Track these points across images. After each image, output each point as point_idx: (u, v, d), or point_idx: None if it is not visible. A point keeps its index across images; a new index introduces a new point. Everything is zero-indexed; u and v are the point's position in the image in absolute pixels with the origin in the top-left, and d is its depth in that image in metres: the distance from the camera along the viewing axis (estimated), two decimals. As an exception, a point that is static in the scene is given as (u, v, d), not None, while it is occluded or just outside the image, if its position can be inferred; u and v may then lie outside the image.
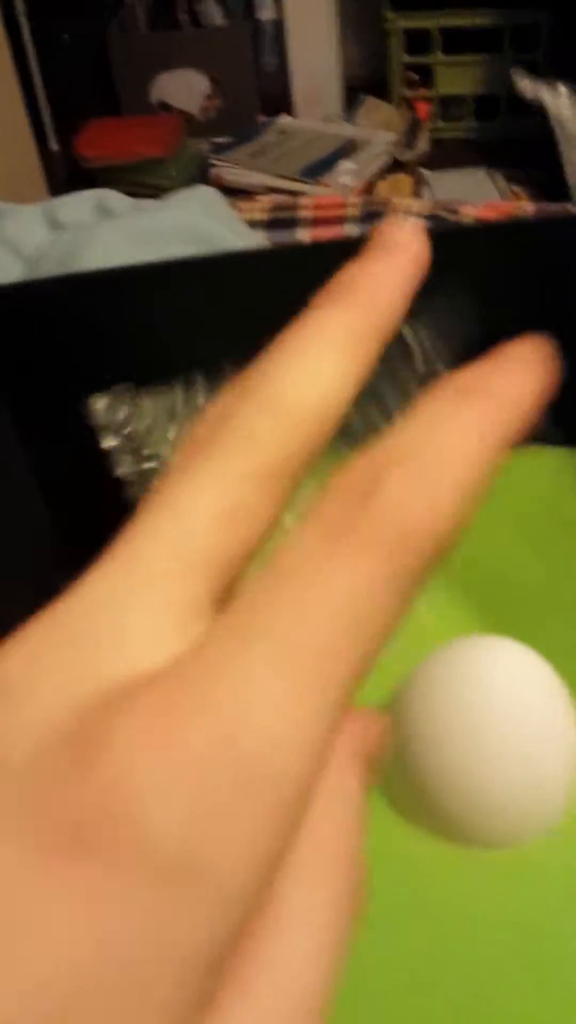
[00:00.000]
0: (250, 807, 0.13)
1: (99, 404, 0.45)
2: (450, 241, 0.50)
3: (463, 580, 0.46)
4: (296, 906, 0.16)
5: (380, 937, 0.35)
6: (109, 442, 0.46)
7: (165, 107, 2.00)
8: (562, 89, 0.41)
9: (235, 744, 0.13)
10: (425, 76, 1.97)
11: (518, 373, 0.17)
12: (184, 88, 1.99)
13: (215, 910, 0.13)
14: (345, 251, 0.48)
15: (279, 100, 2.04)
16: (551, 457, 0.53)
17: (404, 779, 0.37)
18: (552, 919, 0.36)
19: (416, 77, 2.00)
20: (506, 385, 0.17)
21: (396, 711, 0.38)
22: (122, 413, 0.46)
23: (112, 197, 0.65)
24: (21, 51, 1.90)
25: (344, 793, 0.18)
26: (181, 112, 1.98)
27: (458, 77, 1.97)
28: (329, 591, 0.14)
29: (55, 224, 0.62)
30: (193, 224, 0.57)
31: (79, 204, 0.64)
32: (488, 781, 0.36)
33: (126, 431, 0.46)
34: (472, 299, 0.50)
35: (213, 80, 2.00)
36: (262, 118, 1.96)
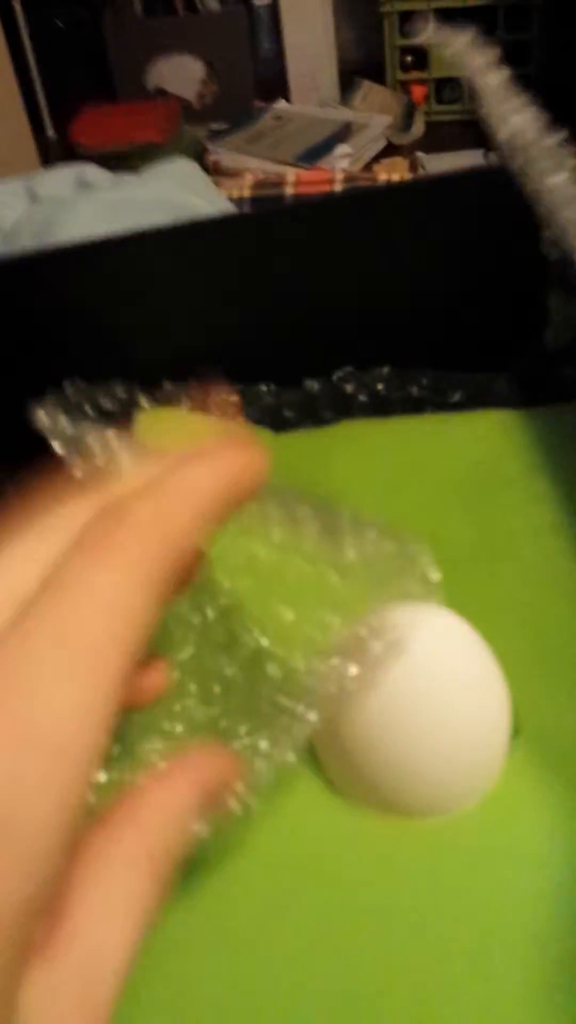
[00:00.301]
0: (43, 772, 0.16)
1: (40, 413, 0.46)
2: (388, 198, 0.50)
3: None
4: (102, 877, 0.20)
5: (311, 911, 0.35)
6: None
7: (161, 93, 2.00)
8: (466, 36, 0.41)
9: (29, 720, 0.17)
10: (420, 59, 1.96)
11: (236, 451, 0.23)
12: (180, 74, 1.99)
13: (24, 865, 0.16)
14: (317, 211, 0.48)
15: (275, 85, 2.03)
16: (497, 419, 0.53)
17: (332, 750, 0.38)
18: (484, 887, 0.36)
19: (411, 60, 1.99)
20: (227, 458, 0.23)
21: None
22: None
23: (92, 171, 0.66)
24: (16, 38, 1.89)
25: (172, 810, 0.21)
26: (177, 98, 1.97)
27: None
28: (96, 589, 0.18)
29: (35, 198, 0.63)
30: (171, 196, 0.58)
31: (59, 178, 0.65)
32: (416, 751, 0.36)
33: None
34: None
35: (209, 66, 1.99)
36: (258, 103, 1.96)
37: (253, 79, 2.04)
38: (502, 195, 0.49)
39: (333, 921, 0.35)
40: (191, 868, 0.36)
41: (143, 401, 0.51)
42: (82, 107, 1.91)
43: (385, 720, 0.36)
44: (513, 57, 1.11)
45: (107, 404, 0.51)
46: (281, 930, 0.35)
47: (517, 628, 0.42)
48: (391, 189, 0.50)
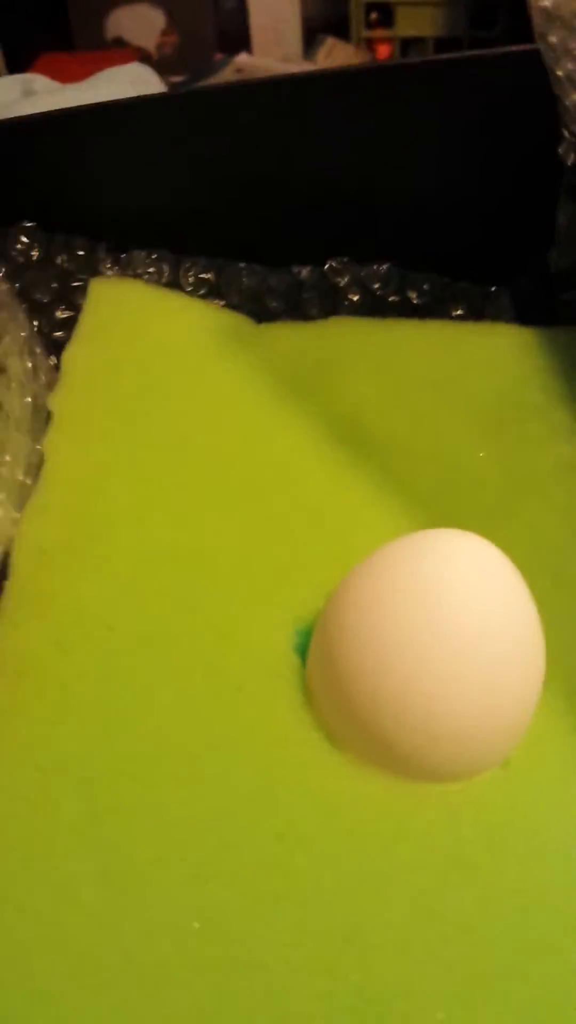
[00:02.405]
0: None
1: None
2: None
3: (403, 472, 0.41)
4: None
5: (308, 892, 0.29)
6: None
7: (120, 43, 1.92)
8: None
9: None
10: (385, 16, 1.92)
11: None
12: (140, 23, 1.92)
13: None
14: (272, 88, 0.42)
15: (237, 38, 1.97)
16: (510, 336, 0.48)
17: (332, 698, 0.32)
18: (503, 859, 0.30)
19: (376, 17, 1.95)
20: None
21: (328, 623, 0.32)
22: None
23: (41, 81, 0.60)
24: (-32, -19, 1.81)
25: None
26: (137, 48, 1.90)
27: (418, 18, 1.92)
28: None
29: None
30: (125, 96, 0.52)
31: (4, 87, 0.59)
32: (436, 701, 0.30)
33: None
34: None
35: (169, 15, 1.93)
36: (219, 56, 1.89)
37: (215, 31, 1.97)
38: (518, 85, 0.44)
39: (334, 904, 0.29)
40: (162, 840, 0.30)
41: (104, 265, 0.45)
42: (38, 56, 1.83)
43: (399, 662, 0.30)
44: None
45: (63, 260, 0.45)
46: (274, 915, 0.29)
47: (543, 570, 0.36)
48: (399, 67, 0.44)
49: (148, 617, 0.35)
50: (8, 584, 0.36)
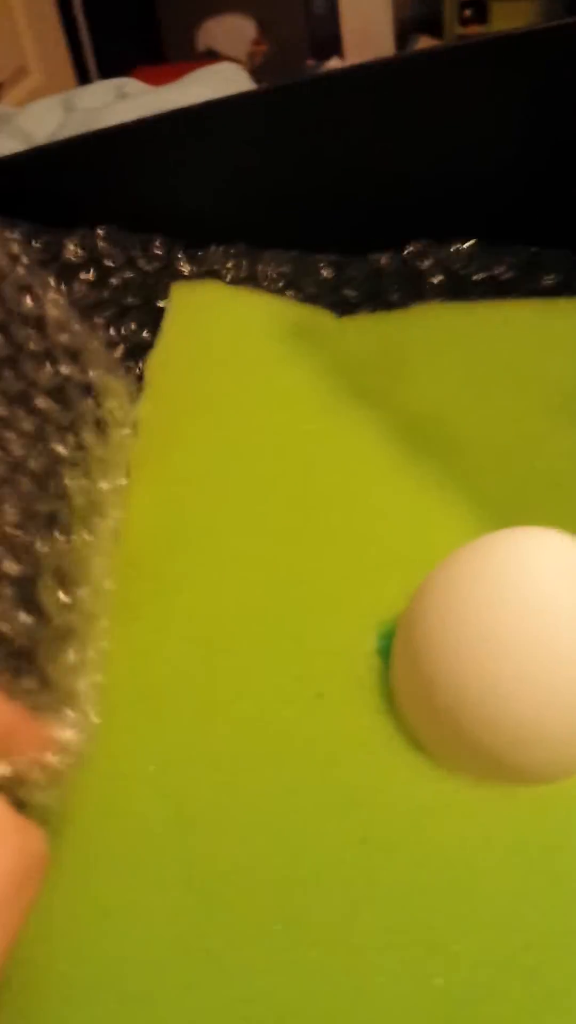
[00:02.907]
0: None
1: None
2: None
3: (483, 470, 0.40)
4: None
5: (393, 896, 0.29)
6: None
7: (211, 54, 1.95)
8: None
9: None
10: (479, 13, 1.91)
11: None
12: (231, 33, 1.94)
13: None
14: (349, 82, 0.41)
15: (329, 43, 1.98)
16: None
17: (418, 701, 0.32)
18: None
19: (470, 14, 1.94)
20: None
21: (410, 625, 0.32)
22: None
23: (133, 84, 0.61)
24: (67, 1, 1.86)
25: None
26: (228, 59, 1.92)
27: (513, 13, 1.90)
28: None
29: (72, 110, 0.58)
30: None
31: (99, 91, 0.60)
32: (525, 703, 0.29)
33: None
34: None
35: (260, 24, 1.94)
36: (311, 62, 1.91)
37: (306, 37, 1.98)
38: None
39: (418, 909, 0.29)
40: (246, 845, 0.30)
41: (182, 263, 0.46)
42: (132, 70, 1.86)
43: (483, 663, 0.29)
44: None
45: (143, 261, 0.45)
46: (356, 919, 0.29)
47: None
48: (469, 48, 0.43)
49: (229, 626, 0.36)
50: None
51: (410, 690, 0.32)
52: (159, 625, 0.35)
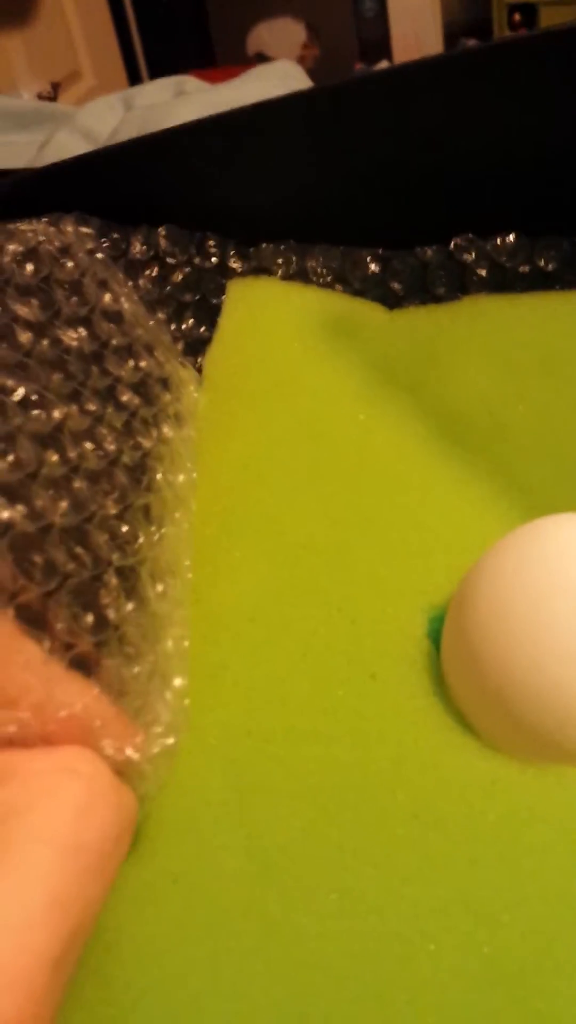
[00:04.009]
0: None
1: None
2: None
3: (533, 459, 0.41)
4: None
5: (443, 875, 0.30)
6: None
7: (261, 57, 1.96)
8: None
9: None
10: (529, 17, 1.90)
11: None
12: (281, 37, 1.95)
13: None
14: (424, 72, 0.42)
15: (378, 47, 1.98)
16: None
17: (472, 687, 0.33)
18: None
19: (519, 18, 1.93)
20: None
21: (459, 609, 0.33)
22: None
23: (192, 82, 0.62)
24: (118, 4, 1.88)
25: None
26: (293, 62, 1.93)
27: (563, 17, 1.89)
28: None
29: (131, 108, 0.59)
30: (272, 95, 0.53)
31: (158, 89, 0.61)
32: (571, 686, 0.30)
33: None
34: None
35: (310, 28, 1.95)
36: (360, 66, 1.91)
37: (356, 41, 1.99)
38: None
39: (467, 882, 0.30)
40: (302, 817, 0.31)
41: (234, 260, 0.47)
42: (184, 74, 1.87)
43: (530, 645, 0.30)
44: None
45: (198, 259, 0.47)
46: (408, 890, 0.30)
47: None
48: (515, 44, 0.43)
49: (286, 608, 0.37)
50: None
51: (460, 672, 0.33)
52: (218, 609, 0.37)
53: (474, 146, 0.46)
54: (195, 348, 0.45)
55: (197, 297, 0.47)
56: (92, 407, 0.34)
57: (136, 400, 0.37)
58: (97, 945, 0.29)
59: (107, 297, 0.38)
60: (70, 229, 0.38)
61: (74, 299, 0.36)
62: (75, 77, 1.66)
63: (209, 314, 0.47)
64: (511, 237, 0.47)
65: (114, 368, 0.37)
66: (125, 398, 0.36)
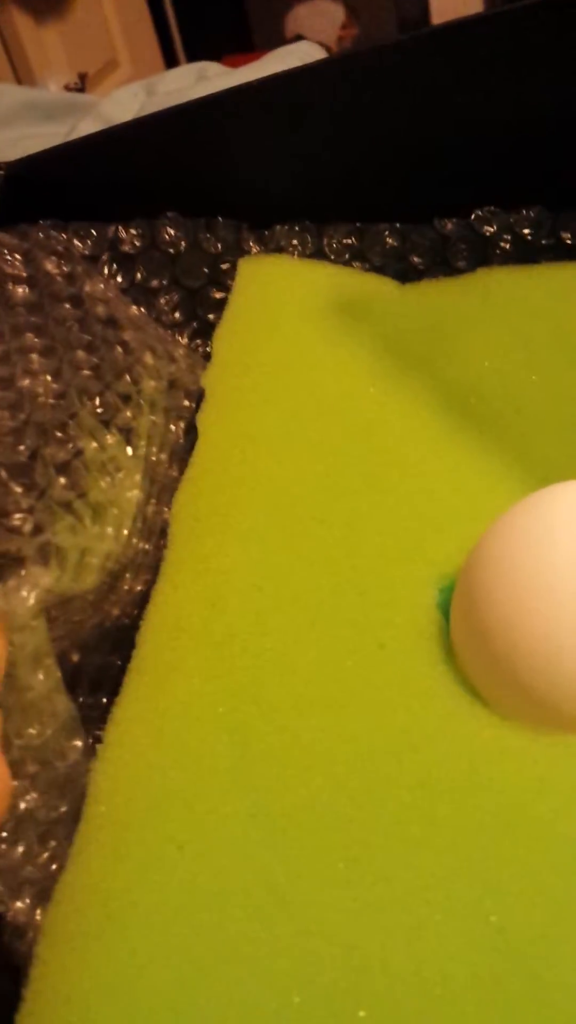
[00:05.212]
0: None
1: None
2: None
3: (543, 431, 0.41)
4: None
5: (451, 844, 0.30)
6: None
7: (299, 40, 1.94)
8: None
9: None
10: (572, -10, 1.86)
11: None
12: (319, 18, 1.94)
13: None
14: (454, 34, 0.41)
15: (418, 26, 1.96)
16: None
17: (481, 657, 0.32)
18: None
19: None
20: None
21: (468, 579, 0.33)
22: None
23: (214, 67, 0.62)
24: (154, -12, 1.88)
25: None
26: (316, 44, 1.92)
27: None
28: None
29: (153, 94, 0.59)
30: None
31: (180, 75, 0.61)
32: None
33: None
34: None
35: (348, 8, 1.94)
36: (400, 45, 1.88)
37: (395, 20, 1.97)
38: None
39: (475, 851, 0.30)
40: (309, 785, 0.31)
41: (248, 243, 0.47)
42: (220, 59, 1.87)
43: (538, 613, 0.30)
44: None
45: (210, 244, 0.47)
46: (415, 858, 0.29)
47: None
48: (534, 9, 0.42)
49: (294, 578, 0.37)
50: (167, 551, 0.38)
51: (469, 641, 0.33)
52: (225, 577, 0.37)
53: (493, 116, 0.45)
54: (206, 333, 0.45)
55: (206, 282, 0.47)
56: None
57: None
58: (102, 912, 0.29)
59: (99, 308, 0.38)
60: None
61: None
62: (112, 67, 1.67)
63: (220, 300, 0.47)
64: (533, 210, 0.46)
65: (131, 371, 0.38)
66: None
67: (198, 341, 0.45)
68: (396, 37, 0.48)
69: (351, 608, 0.35)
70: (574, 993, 0.27)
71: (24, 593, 0.30)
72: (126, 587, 0.37)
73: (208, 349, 0.44)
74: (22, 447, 0.34)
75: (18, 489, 0.33)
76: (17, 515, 0.32)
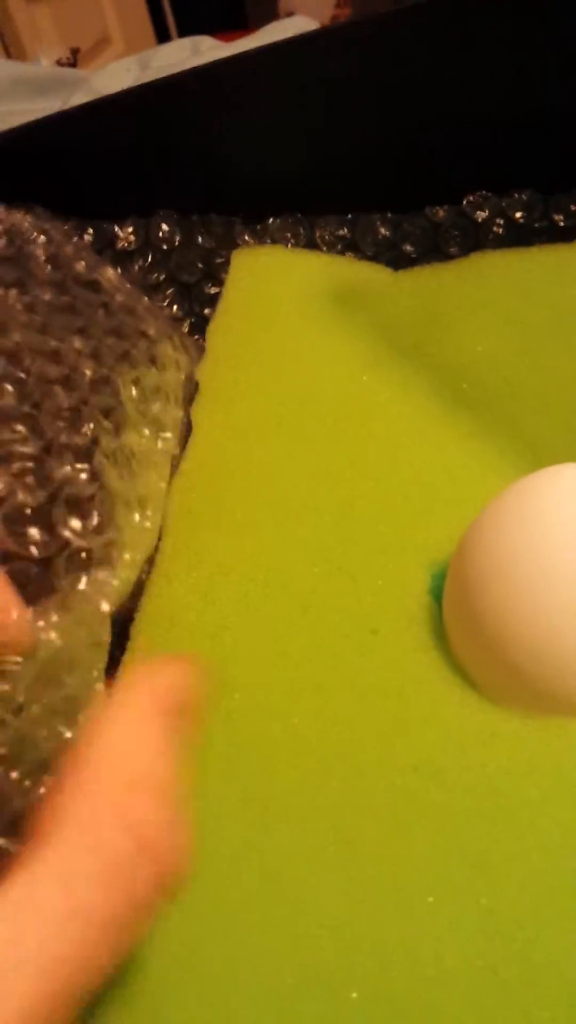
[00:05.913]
0: None
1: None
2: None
3: (534, 416, 0.41)
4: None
5: (444, 824, 0.30)
6: None
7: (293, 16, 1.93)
8: None
9: None
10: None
11: None
12: (313, -3, 1.91)
13: None
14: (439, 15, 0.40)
15: (412, 5, 1.94)
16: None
17: (473, 640, 0.32)
18: None
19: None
20: None
21: (460, 563, 0.33)
22: None
23: (209, 40, 0.61)
24: (147, -35, 1.86)
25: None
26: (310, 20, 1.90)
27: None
28: None
29: (147, 68, 0.59)
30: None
31: (174, 50, 0.61)
32: (568, 637, 0.30)
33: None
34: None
35: (343, -13, 1.92)
36: (394, 24, 1.87)
37: (390, 1, 1.95)
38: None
39: (465, 833, 0.30)
40: (300, 769, 0.32)
41: (242, 238, 0.46)
42: (213, 35, 1.85)
43: (528, 596, 0.30)
44: None
45: (204, 240, 0.46)
46: (406, 840, 0.30)
47: None
48: None
49: (287, 565, 0.37)
50: (162, 543, 0.38)
51: (460, 624, 0.33)
52: (220, 570, 0.37)
53: (483, 101, 0.45)
54: (201, 326, 0.45)
55: (200, 277, 0.46)
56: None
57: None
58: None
59: (80, 266, 0.38)
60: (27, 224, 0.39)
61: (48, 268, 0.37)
62: (104, 43, 1.65)
63: (214, 294, 0.46)
64: (525, 194, 0.46)
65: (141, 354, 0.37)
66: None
67: (196, 336, 0.45)
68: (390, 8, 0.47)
69: (343, 594, 0.36)
70: (562, 972, 0.27)
71: (103, 607, 0.31)
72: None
73: (203, 343, 0.44)
74: (85, 430, 0.34)
75: (83, 476, 0.33)
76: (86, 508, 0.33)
